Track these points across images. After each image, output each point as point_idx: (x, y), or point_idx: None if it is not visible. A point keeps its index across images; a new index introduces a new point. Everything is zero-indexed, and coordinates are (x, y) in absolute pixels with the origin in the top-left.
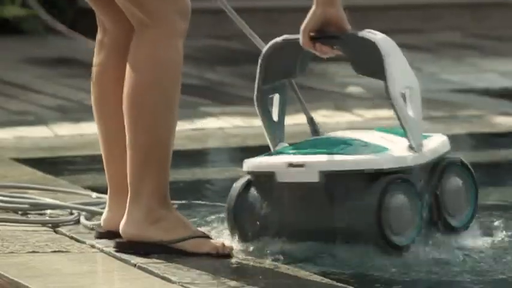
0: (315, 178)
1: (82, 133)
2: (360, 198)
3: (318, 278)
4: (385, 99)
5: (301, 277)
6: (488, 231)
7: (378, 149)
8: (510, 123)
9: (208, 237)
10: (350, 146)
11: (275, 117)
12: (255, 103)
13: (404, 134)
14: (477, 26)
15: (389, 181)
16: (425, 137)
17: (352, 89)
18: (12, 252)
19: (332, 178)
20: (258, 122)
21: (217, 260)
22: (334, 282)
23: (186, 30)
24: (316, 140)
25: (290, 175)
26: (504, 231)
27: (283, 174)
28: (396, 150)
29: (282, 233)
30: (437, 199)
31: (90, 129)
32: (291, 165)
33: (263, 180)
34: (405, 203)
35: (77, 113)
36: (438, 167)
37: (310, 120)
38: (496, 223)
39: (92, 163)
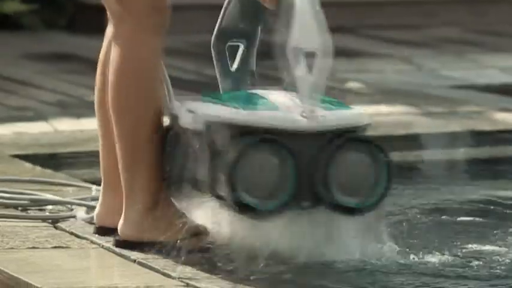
0: (200, 126)
1: (82, 129)
2: (223, 152)
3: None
4: (385, 94)
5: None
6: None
7: (269, 107)
8: (511, 119)
9: (205, 231)
10: (254, 103)
11: (233, 66)
12: (212, 43)
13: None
14: (476, 21)
15: (250, 139)
16: (340, 107)
17: (352, 85)
18: (12, 248)
19: (212, 128)
20: None
21: (216, 255)
22: None
23: (161, 24)
24: (236, 93)
25: (186, 120)
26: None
27: (183, 119)
28: (285, 111)
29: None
30: (326, 173)
31: (90, 124)
32: (189, 110)
33: (173, 122)
34: (263, 164)
35: (77, 108)
36: (337, 140)
37: (251, 73)
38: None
39: (92, 159)
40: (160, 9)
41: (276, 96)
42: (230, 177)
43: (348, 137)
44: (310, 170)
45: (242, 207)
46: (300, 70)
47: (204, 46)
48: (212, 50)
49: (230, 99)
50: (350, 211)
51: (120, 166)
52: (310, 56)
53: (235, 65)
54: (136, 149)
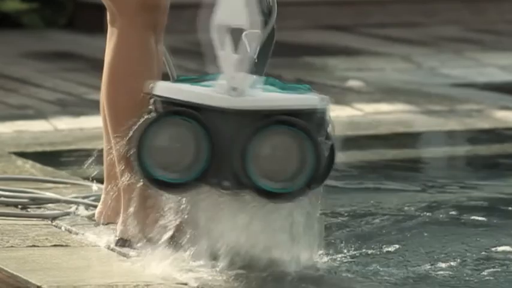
0: (160, 107)
1: (82, 127)
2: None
3: None
4: (385, 93)
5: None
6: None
7: (205, 86)
8: (510, 118)
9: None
10: (200, 83)
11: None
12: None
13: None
14: (475, 20)
15: (164, 113)
16: (289, 90)
17: (352, 83)
18: (12, 246)
19: (156, 106)
20: None
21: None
22: None
23: (153, 22)
24: (209, 75)
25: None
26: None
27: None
28: (214, 90)
29: None
30: (244, 154)
31: (90, 123)
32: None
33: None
34: (174, 138)
35: (77, 107)
36: (262, 120)
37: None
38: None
39: (92, 157)
40: (152, 7)
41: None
42: (137, 151)
43: (270, 120)
44: (228, 149)
45: (152, 181)
46: (224, 48)
47: (203, 44)
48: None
49: (190, 80)
50: (271, 196)
51: (116, 161)
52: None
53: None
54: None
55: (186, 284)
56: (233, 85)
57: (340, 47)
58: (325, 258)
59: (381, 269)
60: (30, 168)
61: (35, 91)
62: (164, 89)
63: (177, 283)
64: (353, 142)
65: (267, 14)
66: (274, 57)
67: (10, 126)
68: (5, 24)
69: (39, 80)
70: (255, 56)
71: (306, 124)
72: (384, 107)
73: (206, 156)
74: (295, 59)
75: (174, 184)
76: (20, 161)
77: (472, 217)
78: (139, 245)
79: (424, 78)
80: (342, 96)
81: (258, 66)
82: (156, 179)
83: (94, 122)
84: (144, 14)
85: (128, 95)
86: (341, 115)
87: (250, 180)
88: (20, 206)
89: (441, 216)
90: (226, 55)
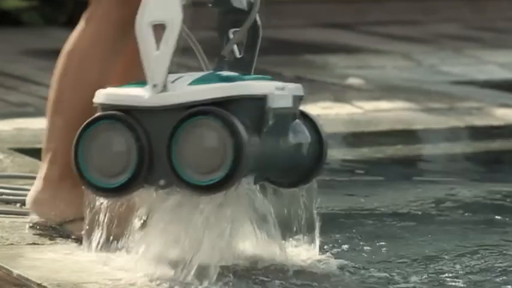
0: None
1: None
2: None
3: None
4: (385, 90)
5: None
6: None
7: (139, 85)
8: (510, 115)
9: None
10: (142, 84)
11: (237, 53)
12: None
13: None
14: (475, 17)
15: (92, 119)
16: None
17: (352, 81)
18: (12, 244)
19: (101, 112)
20: None
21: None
22: None
23: (125, 16)
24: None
25: None
26: None
27: None
28: (143, 89)
29: None
30: (169, 149)
31: None
32: None
33: None
34: (103, 141)
35: None
36: (181, 114)
37: (221, 57)
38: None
39: None
40: (124, 1)
41: (176, 74)
42: (74, 157)
43: (188, 112)
44: (158, 147)
45: (88, 185)
46: (146, 44)
47: (207, 43)
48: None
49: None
50: (199, 189)
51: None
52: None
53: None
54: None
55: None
56: (153, 82)
57: (340, 44)
58: (322, 255)
59: (375, 267)
60: (31, 165)
61: (35, 89)
62: (102, 95)
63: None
64: (352, 139)
65: (246, 11)
66: (275, 55)
67: (10, 123)
68: (5, 22)
69: (39, 77)
70: (201, 54)
71: (223, 112)
72: (384, 104)
73: (136, 158)
74: (295, 56)
75: (110, 189)
76: (20, 159)
77: (471, 214)
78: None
79: (424, 76)
80: (342, 94)
81: (244, 64)
82: (94, 184)
83: None
84: (116, 7)
85: (74, 83)
86: (341, 113)
87: (177, 176)
88: (20, 204)
89: (439, 212)
90: (147, 51)
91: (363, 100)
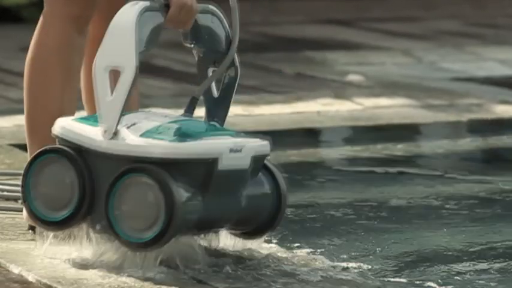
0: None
1: None
2: None
3: None
4: (385, 87)
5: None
6: None
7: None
8: (510, 112)
9: None
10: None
11: (215, 93)
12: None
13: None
14: (475, 14)
15: (43, 151)
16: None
17: (352, 77)
18: (11, 240)
19: (57, 142)
20: (258, 110)
21: None
22: None
23: (77, 14)
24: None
25: None
26: None
27: None
28: (98, 128)
29: None
30: (107, 200)
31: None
32: None
33: None
34: (50, 177)
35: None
36: (123, 167)
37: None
38: None
39: None
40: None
41: (135, 115)
42: (22, 187)
43: (128, 168)
44: (98, 190)
45: (33, 216)
46: (100, 89)
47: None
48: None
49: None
50: (127, 244)
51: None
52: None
53: (215, 92)
54: (34, 130)
55: (196, 280)
56: (104, 127)
57: (340, 41)
58: (306, 249)
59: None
60: None
61: None
62: (58, 127)
63: (188, 278)
64: (352, 135)
65: (224, 52)
66: (274, 52)
67: (10, 120)
68: (5, 19)
69: None
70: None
71: (159, 172)
72: (384, 101)
73: (77, 195)
74: (295, 53)
75: (52, 222)
76: (20, 155)
77: (469, 208)
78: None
79: (424, 73)
80: (342, 90)
81: (219, 107)
82: (38, 216)
83: None
84: (68, 4)
85: (39, 77)
86: (341, 109)
87: (111, 226)
88: (19, 201)
89: (436, 206)
90: (100, 96)
91: (363, 97)
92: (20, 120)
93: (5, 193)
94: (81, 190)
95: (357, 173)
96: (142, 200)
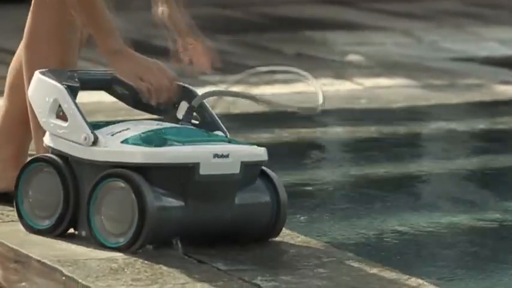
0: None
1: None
2: None
3: None
4: (385, 67)
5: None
6: None
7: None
8: (510, 92)
9: None
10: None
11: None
12: None
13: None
14: None
15: (32, 160)
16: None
17: (352, 58)
18: (12, 221)
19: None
20: (258, 90)
21: None
22: None
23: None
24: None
25: None
26: None
27: None
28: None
29: None
30: (88, 206)
31: (87, 98)
32: None
33: None
34: (38, 184)
35: None
36: (101, 173)
37: (189, 109)
38: None
39: None
40: None
41: (125, 125)
42: (14, 194)
43: (106, 173)
44: (83, 197)
45: (22, 221)
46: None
47: (205, 19)
48: None
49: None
50: (107, 249)
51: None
52: None
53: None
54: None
55: (198, 261)
56: (83, 135)
57: (341, 21)
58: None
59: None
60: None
61: None
62: (48, 138)
63: (188, 259)
64: (353, 115)
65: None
66: (275, 32)
67: None
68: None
69: None
70: None
71: (134, 177)
72: (384, 81)
73: (62, 203)
74: (295, 33)
75: (40, 230)
76: None
77: (464, 190)
78: None
79: (424, 53)
80: (342, 70)
81: (209, 127)
82: (28, 224)
83: (92, 98)
84: None
85: (44, 57)
86: (341, 89)
87: (92, 233)
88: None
89: (435, 185)
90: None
91: (363, 77)
92: None
93: None
94: (65, 199)
95: (357, 152)
96: (118, 205)
